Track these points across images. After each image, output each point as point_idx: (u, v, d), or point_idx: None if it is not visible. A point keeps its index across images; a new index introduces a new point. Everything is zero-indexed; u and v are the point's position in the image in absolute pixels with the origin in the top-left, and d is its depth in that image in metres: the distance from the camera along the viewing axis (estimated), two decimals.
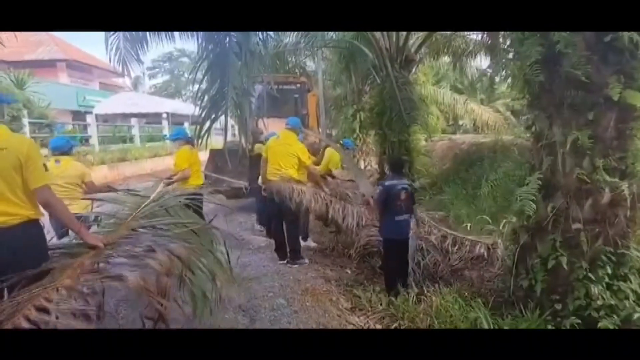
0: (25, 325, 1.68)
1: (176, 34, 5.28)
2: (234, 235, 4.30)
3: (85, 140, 15.97)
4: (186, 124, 21.38)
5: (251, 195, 7.56)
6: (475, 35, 9.91)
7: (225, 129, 4.76)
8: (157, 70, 46.69)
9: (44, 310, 1.76)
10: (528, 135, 4.34)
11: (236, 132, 8.79)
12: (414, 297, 4.19)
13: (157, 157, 17.54)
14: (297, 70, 11.53)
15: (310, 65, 12.77)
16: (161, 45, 5.47)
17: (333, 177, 7.24)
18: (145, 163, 16.59)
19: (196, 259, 2.49)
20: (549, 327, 3.54)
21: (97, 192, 4.67)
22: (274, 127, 7.06)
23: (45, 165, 2.44)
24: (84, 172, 4.58)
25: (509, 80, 4.49)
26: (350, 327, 3.87)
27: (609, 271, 3.46)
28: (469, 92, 16.85)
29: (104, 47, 5.17)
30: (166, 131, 20.85)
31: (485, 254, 5.14)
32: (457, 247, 5.31)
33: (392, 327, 3.90)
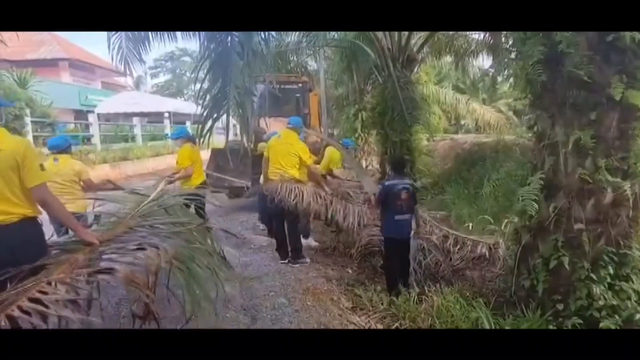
0: (18, 314, 1.74)
1: (178, 33, 5.28)
2: (235, 234, 4.31)
3: (87, 140, 15.98)
4: (188, 123, 21.41)
5: (253, 194, 7.57)
6: (477, 35, 9.90)
7: (227, 128, 4.77)
8: (159, 69, 46.78)
9: (37, 301, 1.82)
10: (530, 135, 4.33)
11: (238, 131, 8.80)
12: (415, 297, 4.19)
13: (159, 156, 17.57)
14: (299, 70, 11.52)
15: (312, 64, 12.77)
16: (163, 45, 5.49)
17: (334, 176, 7.24)
18: (147, 162, 16.63)
19: (192, 256, 2.50)
20: (551, 327, 3.54)
21: (96, 189, 4.73)
22: (276, 127, 7.06)
23: (41, 165, 2.51)
24: (81, 170, 4.62)
25: (511, 79, 4.48)
26: (351, 326, 3.86)
27: (611, 271, 3.45)
28: (471, 91, 16.84)
29: (106, 47, 5.21)
30: (168, 130, 20.90)
31: (487, 253, 5.13)
32: (458, 247, 5.31)
33: (393, 327, 3.89)
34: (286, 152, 5.34)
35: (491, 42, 8.78)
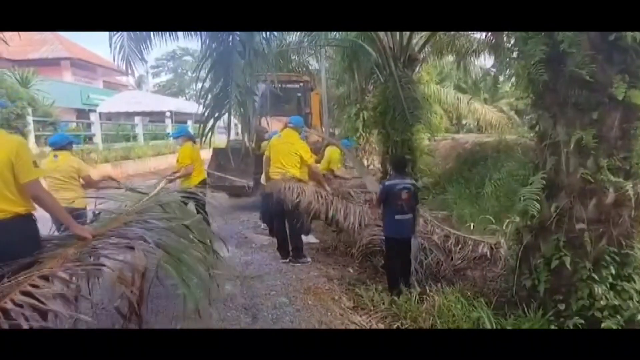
0: (11, 307, 1.77)
1: (180, 32, 5.29)
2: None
3: (89, 139, 16.01)
4: (189, 123, 21.43)
5: (255, 193, 7.57)
6: (479, 34, 9.87)
7: (228, 128, 4.78)
8: (160, 68, 46.87)
9: (28, 294, 1.87)
10: (532, 134, 4.32)
11: (239, 130, 8.80)
12: (417, 297, 4.18)
13: (161, 156, 17.58)
14: (300, 69, 11.51)
15: (313, 64, 12.74)
16: (165, 44, 5.50)
17: (336, 176, 7.24)
18: (148, 161, 16.65)
19: (183, 249, 2.52)
20: (552, 327, 3.53)
21: (96, 185, 4.81)
22: (277, 126, 7.06)
23: (35, 162, 2.60)
24: (80, 167, 4.73)
25: (513, 79, 4.46)
26: (352, 326, 3.86)
27: (613, 271, 3.43)
28: (473, 91, 16.81)
29: (108, 46, 5.24)
30: (169, 129, 20.93)
31: (488, 253, 5.12)
32: (460, 246, 5.29)
33: (395, 327, 3.89)
34: (287, 151, 5.34)
35: (493, 41, 8.74)
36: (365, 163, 12.73)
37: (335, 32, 9.06)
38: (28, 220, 2.55)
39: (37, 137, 12.67)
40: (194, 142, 5.95)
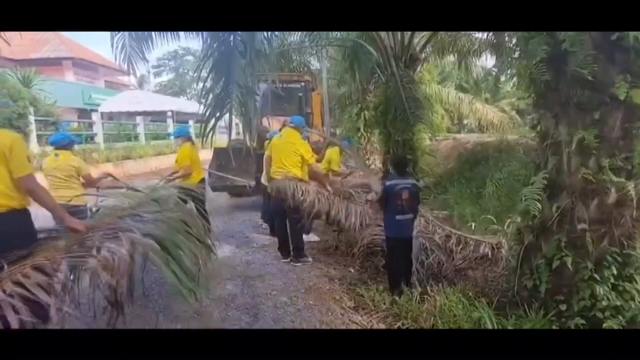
0: (2, 297, 1.82)
1: (181, 32, 5.30)
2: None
3: (90, 138, 16.04)
4: (191, 122, 21.45)
5: (257, 192, 7.58)
6: (480, 34, 9.86)
7: (229, 128, 4.78)
8: (162, 68, 46.95)
9: (19, 284, 1.91)
10: (533, 134, 4.31)
11: (240, 130, 8.81)
12: (418, 297, 4.18)
13: (162, 155, 17.62)
14: (301, 69, 11.52)
15: (314, 63, 12.76)
16: (166, 44, 5.51)
17: (339, 174, 7.25)
18: (150, 161, 16.69)
19: (173, 239, 2.53)
20: (554, 327, 3.52)
21: (96, 183, 4.87)
22: (278, 126, 7.07)
23: (29, 157, 2.69)
24: (80, 166, 4.77)
25: (515, 79, 4.45)
26: (353, 326, 3.86)
27: (615, 272, 3.42)
28: (474, 91, 16.81)
29: (109, 46, 5.25)
30: (171, 129, 20.96)
31: (490, 253, 5.12)
32: (461, 246, 5.29)
33: (396, 327, 3.89)
34: (288, 151, 5.34)
35: (494, 41, 8.72)
36: (367, 163, 12.75)
37: (336, 32, 9.06)
38: (23, 214, 2.65)
39: (39, 137, 12.69)
40: (193, 143, 6.01)
